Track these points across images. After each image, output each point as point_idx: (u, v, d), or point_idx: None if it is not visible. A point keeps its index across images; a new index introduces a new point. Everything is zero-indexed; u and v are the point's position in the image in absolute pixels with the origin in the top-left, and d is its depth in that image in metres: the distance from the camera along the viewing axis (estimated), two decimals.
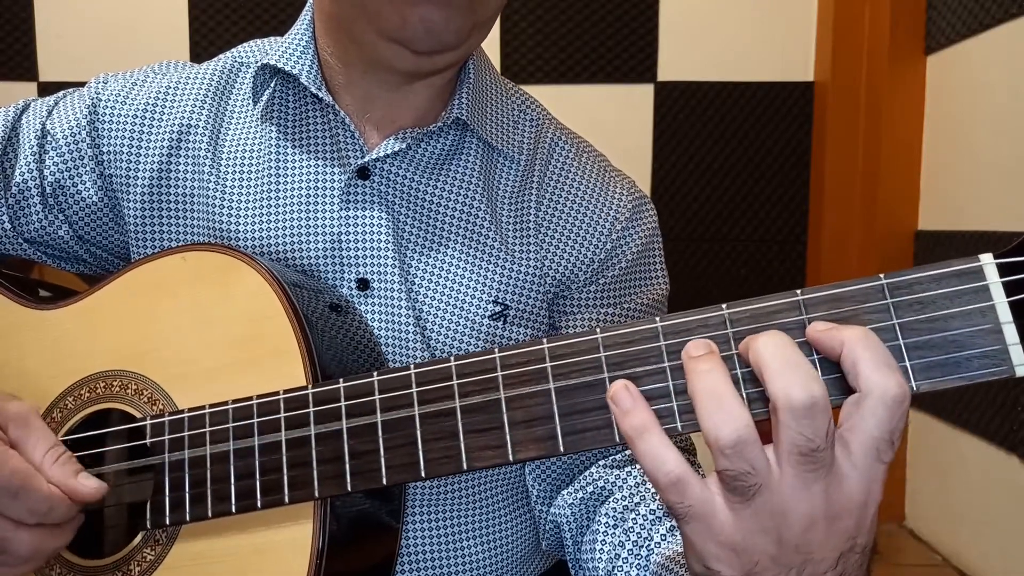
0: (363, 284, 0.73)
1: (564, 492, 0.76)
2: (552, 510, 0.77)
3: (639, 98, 2.63)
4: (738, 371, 0.47)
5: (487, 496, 0.78)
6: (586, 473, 0.76)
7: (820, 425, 0.42)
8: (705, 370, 0.45)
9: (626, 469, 0.75)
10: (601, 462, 0.76)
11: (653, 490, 0.72)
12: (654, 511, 0.70)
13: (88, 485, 0.59)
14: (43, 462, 0.58)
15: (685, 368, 0.46)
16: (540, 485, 0.78)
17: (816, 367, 0.46)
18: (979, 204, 2.12)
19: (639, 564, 0.68)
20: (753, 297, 0.48)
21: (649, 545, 0.68)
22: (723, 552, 0.45)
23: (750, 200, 2.65)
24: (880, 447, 0.43)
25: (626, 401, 0.47)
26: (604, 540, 0.70)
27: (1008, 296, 0.44)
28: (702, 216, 2.66)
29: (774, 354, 0.44)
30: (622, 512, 0.71)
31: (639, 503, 0.71)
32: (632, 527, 0.69)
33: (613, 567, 0.69)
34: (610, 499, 0.73)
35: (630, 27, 2.60)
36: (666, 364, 0.48)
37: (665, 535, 0.67)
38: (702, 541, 0.46)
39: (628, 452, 0.76)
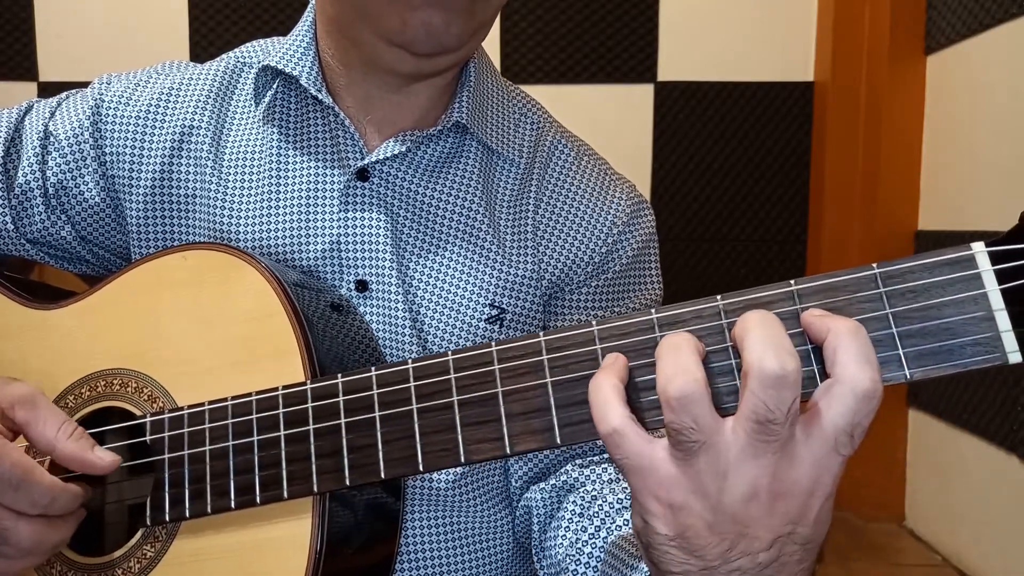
0: (362, 286, 0.73)
1: (542, 482, 0.77)
2: (526, 494, 0.77)
3: (639, 98, 2.63)
4: (732, 361, 0.47)
5: (486, 498, 0.78)
6: (561, 470, 0.77)
7: (784, 398, 0.42)
8: (674, 334, 0.46)
9: (602, 465, 0.75)
10: (577, 461, 0.76)
11: (624, 484, 0.72)
12: (621, 500, 0.70)
13: (104, 458, 0.59)
14: (57, 437, 0.58)
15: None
16: (518, 482, 0.79)
17: (810, 357, 0.46)
18: (979, 204, 2.12)
19: (597, 545, 0.68)
20: (747, 288, 0.48)
21: (611, 528, 0.68)
22: (660, 508, 0.46)
23: (750, 200, 2.66)
24: (839, 438, 0.43)
25: (605, 363, 0.48)
26: (568, 527, 0.71)
27: (1000, 284, 0.44)
28: (702, 216, 2.66)
29: (757, 325, 0.44)
30: (589, 501, 0.71)
31: (608, 493, 0.71)
32: (596, 513, 0.70)
33: (574, 550, 0.69)
34: (580, 489, 0.73)
35: (630, 27, 2.61)
36: None
37: (629, 520, 0.68)
38: (642, 495, 0.47)
39: (605, 454, 0.76)
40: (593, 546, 0.68)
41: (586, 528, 0.69)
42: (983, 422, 2.08)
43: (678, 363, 0.44)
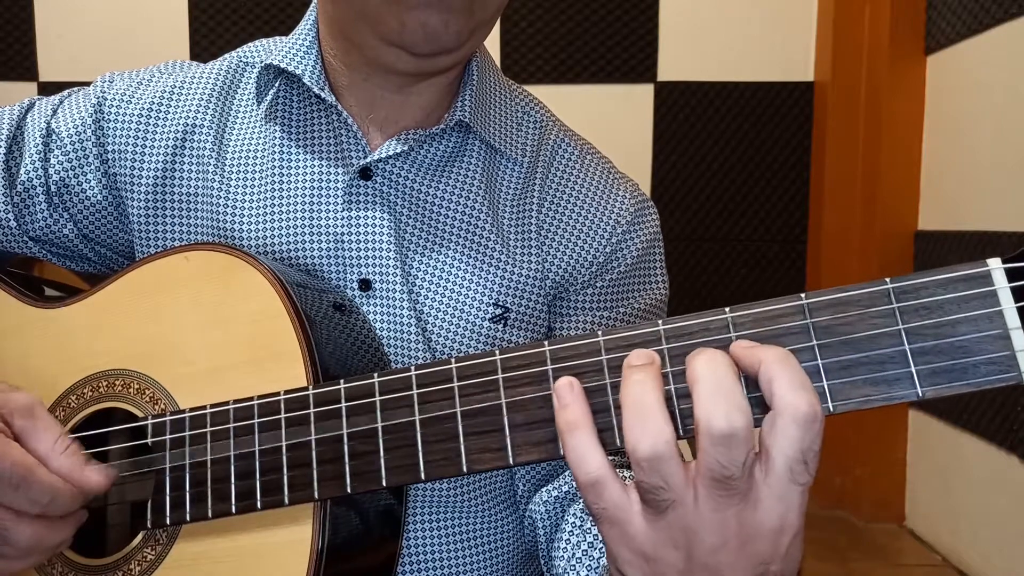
0: (365, 284, 0.73)
1: (542, 490, 0.76)
2: (530, 507, 0.77)
3: (639, 98, 2.63)
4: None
5: (490, 499, 0.78)
6: (565, 473, 0.76)
7: (737, 455, 0.42)
8: (637, 380, 0.45)
9: None
10: None
11: None
12: None
13: (94, 477, 0.58)
14: (51, 451, 0.58)
15: (622, 375, 0.46)
16: (525, 485, 0.79)
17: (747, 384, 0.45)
18: (979, 204, 2.12)
19: (590, 566, 0.68)
20: (756, 300, 0.47)
21: (602, 548, 0.68)
22: (634, 558, 0.46)
23: (750, 200, 2.66)
24: (793, 467, 0.43)
25: (566, 396, 0.47)
26: (568, 540, 0.70)
27: (1016, 301, 0.43)
28: (702, 216, 2.66)
29: (705, 376, 0.43)
30: (586, 515, 0.71)
31: None
32: (590, 528, 0.69)
33: (568, 567, 0.69)
34: (580, 500, 0.73)
35: (630, 27, 2.61)
36: (668, 369, 0.48)
37: None
38: (616, 544, 0.47)
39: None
40: (587, 567, 0.68)
41: (579, 544, 0.69)
42: (983, 422, 2.08)
43: (646, 419, 0.44)
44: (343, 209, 0.73)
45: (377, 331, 0.72)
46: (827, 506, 2.61)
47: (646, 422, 0.44)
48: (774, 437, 0.43)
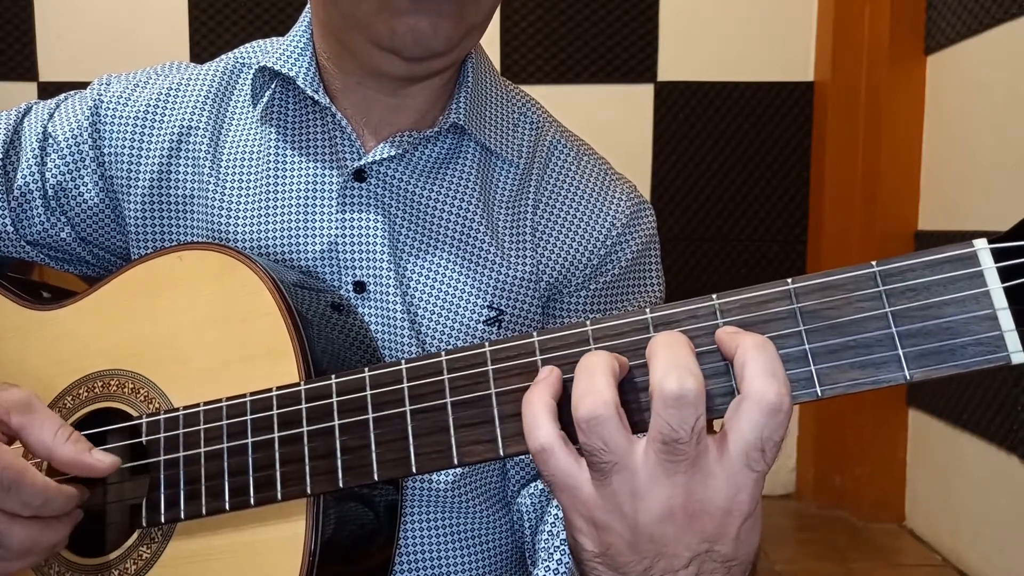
0: (359, 287, 0.73)
1: (532, 483, 0.77)
2: (518, 500, 0.77)
3: (639, 98, 2.63)
4: (726, 362, 0.46)
5: (485, 499, 0.78)
6: None
7: (686, 418, 0.43)
8: (592, 353, 0.47)
9: None
10: None
11: None
12: None
13: (103, 460, 0.59)
14: (55, 441, 0.58)
15: None
16: (516, 486, 0.79)
17: (729, 372, 0.46)
18: (979, 204, 2.12)
19: (567, 552, 0.68)
20: (744, 287, 0.47)
21: None
22: (585, 526, 0.47)
23: (750, 200, 2.66)
24: (750, 452, 0.43)
25: (542, 374, 0.48)
26: (551, 532, 0.71)
27: (1003, 282, 0.43)
28: (702, 216, 2.66)
29: (661, 347, 0.44)
30: None
31: None
32: None
33: (546, 555, 0.70)
34: None
35: (630, 27, 2.61)
36: None
37: None
38: (569, 511, 0.47)
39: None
40: (562, 552, 0.68)
41: (561, 532, 0.69)
42: (983, 422, 2.08)
43: (590, 385, 0.45)
44: (337, 211, 0.73)
45: (372, 333, 0.72)
46: (827, 506, 2.61)
47: (589, 384, 0.45)
48: (737, 419, 0.43)
